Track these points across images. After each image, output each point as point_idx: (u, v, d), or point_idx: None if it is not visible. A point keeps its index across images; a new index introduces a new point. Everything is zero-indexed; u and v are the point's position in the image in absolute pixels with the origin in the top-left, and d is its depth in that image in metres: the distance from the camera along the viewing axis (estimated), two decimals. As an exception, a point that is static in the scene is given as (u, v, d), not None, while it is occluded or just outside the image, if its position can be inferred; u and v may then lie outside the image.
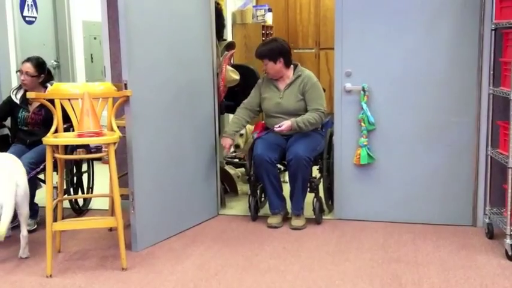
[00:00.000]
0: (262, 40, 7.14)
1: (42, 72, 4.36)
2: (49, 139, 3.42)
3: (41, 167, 4.09)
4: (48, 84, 4.40)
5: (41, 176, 4.42)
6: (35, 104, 4.37)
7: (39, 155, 4.13)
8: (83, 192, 4.74)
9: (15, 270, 3.49)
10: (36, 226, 4.26)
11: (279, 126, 4.15)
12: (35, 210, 4.28)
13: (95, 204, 4.81)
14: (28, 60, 4.40)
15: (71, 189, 4.53)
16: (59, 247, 3.81)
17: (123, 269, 3.48)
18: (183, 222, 4.16)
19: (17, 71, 4.56)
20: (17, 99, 4.40)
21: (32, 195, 4.24)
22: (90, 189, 4.82)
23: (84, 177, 4.78)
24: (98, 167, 5.17)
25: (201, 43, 4.29)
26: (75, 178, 4.66)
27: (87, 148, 4.27)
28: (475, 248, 3.74)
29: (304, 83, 4.28)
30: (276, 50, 4.28)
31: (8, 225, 3.50)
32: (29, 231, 4.11)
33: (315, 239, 3.97)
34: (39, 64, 4.36)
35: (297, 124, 4.15)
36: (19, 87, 4.46)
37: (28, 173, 4.00)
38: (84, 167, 4.80)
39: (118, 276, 3.40)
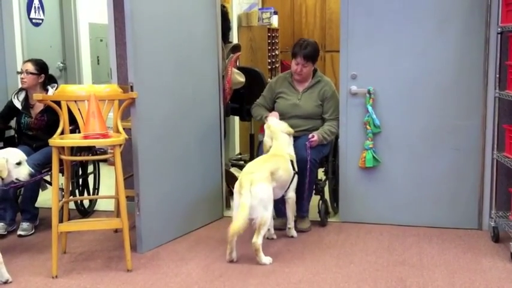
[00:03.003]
0: (268, 43, 7.15)
1: (42, 72, 4.36)
2: (55, 140, 3.44)
3: (48, 169, 4.10)
4: (50, 87, 4.39)
5: (47, 178, 4.43)
6: (37, 109, 4.37)
7: (45, 156, 4.14)
8: (88, 194, 4.75)
9: (20, 270, 3.51)
10: (33, 231, 4.23)
11: (311, 141, 4.07)
12: (33, 214, 4.27)
13: (100, 205, 4.82)
14: (28, 60, 4.45)
15: (76, 191, 4.53)
16: (64, 248, 3.83)
17: (128, 270, 3.49)
18: (188, 224, 4.17)
19: (17, 72, 4.56)
20: (19, 102, 4.40)
21: (34, 198, 4.25)
22: (96, 190, 4.83)
23: (90, 178, 4.79)
24: (104, 169, 5.19)
25: (207, 45, 4.30)
26: (80, 180, 4.66)
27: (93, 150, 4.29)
28: (481, 252, 3.73)
29: (325, 90, 4.29)
30: (317, 51, 4.32)
31: None
32: (26, 236, 4.14)
33: (319, 242, 3.97)
34: (39, 63, 4.38)
35: (322, 136, 4.15)
36: (20, 90, 4.47)
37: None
38: (90, 168, 4.82)
39: (123, 278, 3.41)
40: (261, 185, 3.56)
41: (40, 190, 4.34)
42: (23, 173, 3.44)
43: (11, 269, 3.45)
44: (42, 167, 4.12)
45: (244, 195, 3.51)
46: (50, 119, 4.27)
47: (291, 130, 4.06)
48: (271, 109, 4.44)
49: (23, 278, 3.41)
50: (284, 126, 4.06)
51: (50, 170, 4.15)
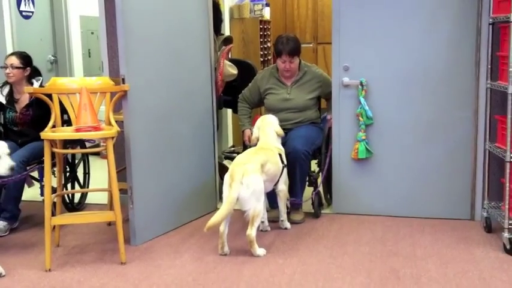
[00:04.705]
0: (260, 35, 7.13)
1: (27, 65, 4.26)
2: (47, 133, 3.42)
3: (35, 163, 4.05)
4: (34, 81, 4.29)
5: (34, 174, 4.32)
6: (22, 104, 4.26)
7: (30, 153, 4.06)
8: (80, 187, 4.71)
9: (14, 264, 3.49)
10: (7, 233, 4.03)
11: (330, 122, 4.36)
12: (14, 214, 4.08)
13: (93, 199, 4.78)
14: (12, 53, 4.33)
15: (64, 189, 4.45)
16: (57, 241, 3.82)
17: (122, 263, 3.49)
18: (181, 217, 4.16)
19: (1, 67, 4.38)
20: (3, 96, 4.30)
21: (17, 198, 4.10)
22: (87, 175, 4.73)
23: (80, 173, 4.71)
24: (97, 162, 5.17)
25: (199, 38, 4.29)
26: (69, 180, 4.52)
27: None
28: (473, 242, 3.75)
29: (317, 75, 4.38)
30: (299, 44, 4.35)
31: None
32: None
33: (313, 233, 3.98)
34: (23, 57, 4.26)
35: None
36: (4, 84, 4.35)
37: (18, 173, 3.92)
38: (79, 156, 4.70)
39: (117, 270, 3.41)
40: (253, 176, 3.55)
41: (27, 186, 4.22)
42: None
43: (4, 263, 3.44)
44: (27, 164, 4.04)
45: (234, 189, 3.50)
46: (35, 114, 4.19)
47: (281, 132, 4.07)
48: (254, 102, 4.52)
49: (16, 272, 3.40)
50: (276, 125, 4.07)
51: (37, 165, 4.11)
